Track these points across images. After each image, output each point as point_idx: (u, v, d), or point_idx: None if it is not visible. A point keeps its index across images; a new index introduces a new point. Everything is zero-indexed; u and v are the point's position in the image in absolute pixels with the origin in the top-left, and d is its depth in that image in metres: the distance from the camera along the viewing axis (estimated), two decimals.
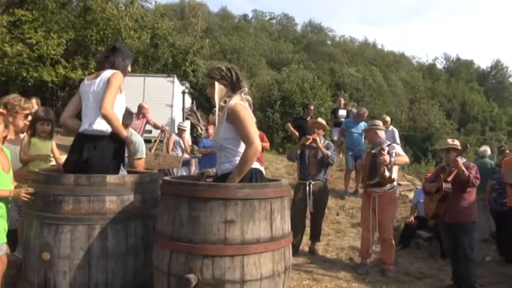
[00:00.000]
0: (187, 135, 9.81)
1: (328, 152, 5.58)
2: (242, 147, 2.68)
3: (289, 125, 9.11)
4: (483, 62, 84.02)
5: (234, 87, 2.79)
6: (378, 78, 41.96)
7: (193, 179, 2.92)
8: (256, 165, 2.75)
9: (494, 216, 6.59)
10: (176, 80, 12.99)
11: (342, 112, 11.08)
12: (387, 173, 4.75)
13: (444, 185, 4.48)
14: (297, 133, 8.61)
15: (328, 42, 56.22)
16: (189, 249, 2.38)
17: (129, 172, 3.40)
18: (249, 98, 2.85)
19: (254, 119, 2.79)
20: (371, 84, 39.67)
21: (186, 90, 13.16)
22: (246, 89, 2.83)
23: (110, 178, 2.86)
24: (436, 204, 4.59)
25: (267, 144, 7.38)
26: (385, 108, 36.04)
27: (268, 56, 43.35)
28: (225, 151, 2.73)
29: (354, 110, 10.97)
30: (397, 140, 8.60)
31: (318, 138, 5.60)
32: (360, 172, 6.17)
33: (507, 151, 7.97)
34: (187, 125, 10.91)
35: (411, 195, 8.49)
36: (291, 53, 44.87)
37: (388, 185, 4.99)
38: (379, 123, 5.43)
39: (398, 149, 5.16)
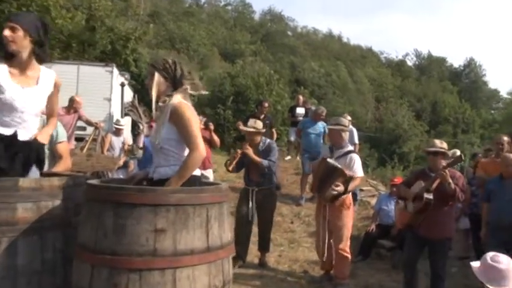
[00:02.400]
0: (127, 134, 9.62)
1: (263, 162, 5.56)
2: (186, 151, 2.69)
3: (240, 123, 9.09)
4: (456, 60, 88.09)
5: (175, 83, 2.79)
6: (342, 74, 42.97)
7: (121, 183, 2.86)
8: (196, 172, 2.76)
9: (475, 221, 6.92)
10: (115, 70, 12.66)
11: (300, 110, 11.23)
12: (330, 199, 4.92)
13: (426, 195, 4.49)
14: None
15: (289, 33, 56.97)
16: (113, 262, 2.33)
17: (49, 175, 3.28)
18: (188, 99, 2.85)
19: (198, 121, 2.80)
20: (334, 80, 40.54)
21: (126, 82, 12.90)
22: (188, 87, 2.82)
23: (24, 182, 2.74)
24: (413, 215, 4.67)
25: (217, 141, 7.37)
26: (349, 107, 36.87)
27: (222, 47, 43.35)
28: (165, 154, 2.72)
29: (314, 109, 11.18)
30: (356, 140, 8.81)
31: (247, 150, 5.58)
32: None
33: (479, 155, 8.38)
34: (127, 121, 10.69)
35: (374, 201, 8.71)
36: (247, 43, 45.10)
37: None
38: (345, 122, 5.40)
39: (357, 164, 5.16)
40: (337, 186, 4.88)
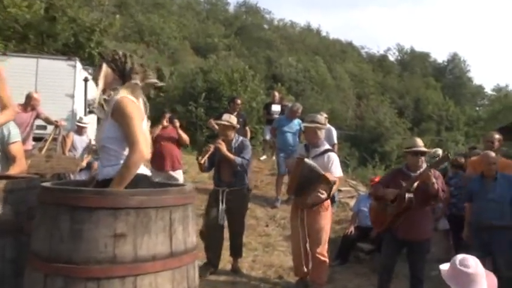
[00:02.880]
0: (92, 133, 9.46)
1: (236, 159, 5.55)
2: (127, 149, 2.68)
3: (212, 121, 9.12)
4: (440, 55, 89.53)
5: (123, 76, 2.78)
6: (321, 69, 43.23)
7: (78, 185, 2.82)
8: (143, 170, 2.74)
9: (454, 222, 7.04)
10: (79, 64, 12.43)
11: (276, 108, 11.26)
12: (313, 206, 4.97)
13: (407, 195, 4.56)
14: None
15: (265, 26, 57.08)
16: (69, 271, 2.28)
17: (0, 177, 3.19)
18: (143, 96, 2.84)
19: (144, 120, 2.78)
20: (313, 76, 40.76)
21: (90, 77, 12.70)
22: (138, 82, 2.79)
23: None
24: (393, 217, 4.73)
25: (186, 139, 7.34)
26: (328, 104, 37.14)
27: (194, 40, 43.18)
28: (107, 153, 2.71)
29: (290, 106, 11.23)
30: (334, 139, 8.88)
31: (221, 146, 5.56)
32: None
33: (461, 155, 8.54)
34: (91, 120, 10.52)
35: (353, 202, 8.77)
36: (221, 37, 45.00)
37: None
38: (321, 119, 5.40)
39: (335, 164, 5.19)
40: (322, 194, 4.90)
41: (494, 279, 2.54)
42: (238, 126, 5.93)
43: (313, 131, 5.26)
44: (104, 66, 2.76)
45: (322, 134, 5.33)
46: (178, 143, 7.38)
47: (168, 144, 7.22)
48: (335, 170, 5.18)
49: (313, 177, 4.95)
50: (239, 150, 5.67)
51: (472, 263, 2.45)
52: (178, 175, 7.29)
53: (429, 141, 37.76)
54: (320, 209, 5.17)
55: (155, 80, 2.95)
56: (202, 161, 5.58)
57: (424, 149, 4.84)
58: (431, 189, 4.55)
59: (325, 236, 5.27)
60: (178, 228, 2.48)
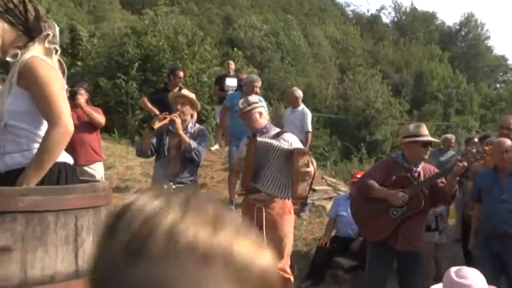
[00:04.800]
0: None
1: (193, 143, 5.56)
2: (43, 128, 2.63)
3: (145, 99, 9.08)
4: (450, 17, 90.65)
5: (29, 30, 2.73)
6: (293, 33, 43.31)
7: None
8: (64, 157, 2.70)
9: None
10: None
11: (231, 82, 11.24)
12: (307, 194, 4.97)
13: (422, 195, 4.81)
14: (157, 112, 8.53)
15: None
16: None
17: None
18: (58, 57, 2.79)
19: (64, 86, 2.75)
20: (283, 41, 40.86)
21: None
22: (51, 33, 2.72)
23: None
24: (395, 226, 4.86)
25: (99, 119, 7.21)
26: (303, 79, 37.32)
27: None
28: (13, 134, 2.66)
29: (245, 78, 11.23)
30: (308, 126, 8.99)
31: (177, 119, 5.54)
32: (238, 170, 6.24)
33: (476, 139, 8.73)
34: None
35: (330, 205, 8.86)
36: None
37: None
38: (254, 99, 5.56)
39: (297, 142, 5.26)
40: (306, 166, 4.91)
41: None
42: (199, 105, 5.97)
43: (252, 115, 5.34)
44: None
45: (265, 115, 5.46)
46: (95, 126, 7.25)
47: (79, 129, 7.06)
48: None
49: (273, 155, 5.02)
50: (193, 137, 5.67)
51: (470, 274, 2.52)
52: (96, 170, 7.17)
53: (434, 127, 38.49)
54: (282, 211, 5.21)
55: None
56: (156, 126, 5.50)
57: (432, 138, 5.09)
58: (449, 188, 4.77)
59: (289, 246, 5.32)
60: (87, 239, 2.46)
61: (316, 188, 10.24)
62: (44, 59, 2.66)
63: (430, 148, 5.08)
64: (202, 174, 9.87)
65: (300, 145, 5.30)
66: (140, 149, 5.84)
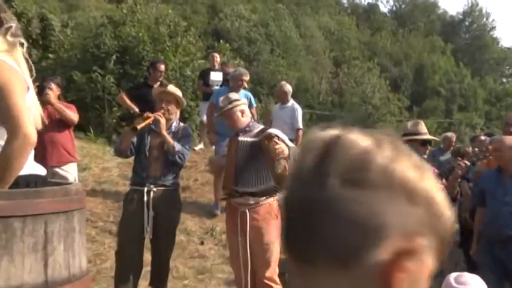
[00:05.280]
0: None
1: (176, 145, 5.55)
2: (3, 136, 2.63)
3: (123, 95, 9.04)
4: (453, 6, 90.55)
5: None
6: (284, 24, 43.27)
7: None
8: (33, 168, 2.73)
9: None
10: None
11: (216, 76, 11.25)
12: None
13: None
14: (136, 109, 8.53)
15: None
16: None
17: None
18: (23, 52, 2.77)
19: (30, 90, 2.75)
20: (273, 33, 40.78)
21: None
22: (13, 25, 2.70)
23: None
24: None
25: (72, 116, 7.15)
26: (294, 73, 37.31)
27: None
28: None
29: (232, 72, 11.23)
30: (299, 123, 9.04)
31: (162, 119, 5.54)
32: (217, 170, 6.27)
33: (482, 138, 8.79)
34: None
35: None
36: None
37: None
38: (235, 96, 5.60)
39: (283, 137, 5.26)
40: (277, 145, 4.93)
41: None
42: (184, 103, 6.01)
43: (234, 114, 5.37)
44: None
45: (247, 113, 5.48)
46: (67, 124, 7.20)
47: (50, 128, 7.02)
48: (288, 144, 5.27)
49: (256, 154, 5.07)
50: (177, 137, 5.70)
51: (470, 280, 2.54)
52: (69, 171, 7.13)
53: (435, 124, 38.63)
54: (268, 215, 5.21)
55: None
56: (140, 126, 5.49)
57: (432, 137, 5.10)
58: (451, 190, 4.89)
59: (276, 253, 5.28)
60: (58, 247, 2.45)
61: None
62: (6, 59, 2.63)
63: (429, 147, 5.10)
64: (185, 176, 9.88)
65: (286, 140, 5.28)
66: (119, 149, 5.83)
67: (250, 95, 9.33)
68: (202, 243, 8.03)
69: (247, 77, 8.94)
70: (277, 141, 4.99)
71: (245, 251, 5.22)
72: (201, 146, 12.17)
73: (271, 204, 5.23)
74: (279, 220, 5.26)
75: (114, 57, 17.53)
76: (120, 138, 5.96)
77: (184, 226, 8.16)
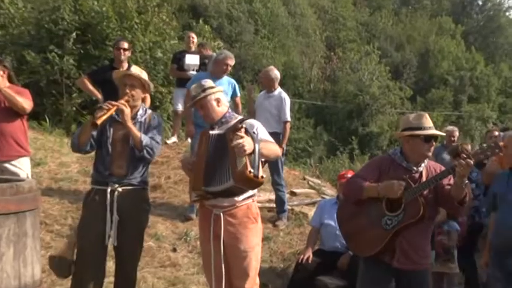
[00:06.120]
0: None
1: (143, 137, 5.46)
2: None
3: (84, 79, 8.98)
4: None
5: None
6: (271, 0, 43.23)
7: None
8: None
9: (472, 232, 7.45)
10: None
11: (192, 60, 11.25)
12: (250, 169, 4.82)
13: (421, 200, 4.78)
14: (99, 95, 8.50)
15: None
16: None
17: None
18: None
19: None
20: (257, 10, 40.76)
21: None
22: None
23: None
24: (389, 239, 4.86)
25: (21, 103, 7.06)
26: (281, 57, 37.29)
27: None
28: None
29: (215, 56, 11.22)
30: (287, 114, 9.00)
31: (126, 108, 5.47)
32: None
33: (496, 133, 8.83)
34: None
35: (313, 212, 8.88)
36: None
37: (259, 186, 5.10)
38: (210, 83, 5.48)
39: (261, 129, 5.26)
40: (240, 138, 4.84)
41: None
42: (152, 86, 5.85)
43: (208, 103, 5.31)
44: None
45: (223, 102, 5.41)
46: (18, 113, 7.10)
47: None
48: (268, 138, 5.23)
49: (223, 142, 5.01)
50: (145, 128, 5.62)
51: None
52: (21, 167, 7.04)
53: (442, 117, 38.76)
54: (247, 218, 5.19)
55: None
56: (99, 121, 5.41)
57: (438, 131, 5.05)
58: (455, 192, 4.71)
59: (255, 262, 5.28)
60: (6, 254, 2.43)
61: (295, 190, 10.29)
62: None
63: (434, 143, 5.03)
64: (156, 173, 9.89)
65: (265, 133, 5.25)
66: (76, 144, 5.62)
67: (234, 82, 9.27)
68: (174, 250, 7.99)
69: (232, 61, 8.88)
70: (242, 134, 4.85)
71: (218, 259, 5.18)
72: (174, 139, 12.08)
73: (250, 206, 5.20)
74: (259, 224, 5.28)
75: (74, 34, 17.32)
76: (78, 132, 5.74)
77: (155, 230, 8.15)
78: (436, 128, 5.17)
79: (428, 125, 5.00)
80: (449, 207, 5.01)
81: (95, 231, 5.46)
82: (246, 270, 5.20)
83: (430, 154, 5.01)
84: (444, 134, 5.12)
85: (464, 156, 4.60)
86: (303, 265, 6.99)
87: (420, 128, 4.97)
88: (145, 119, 5.67)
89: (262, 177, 4.86)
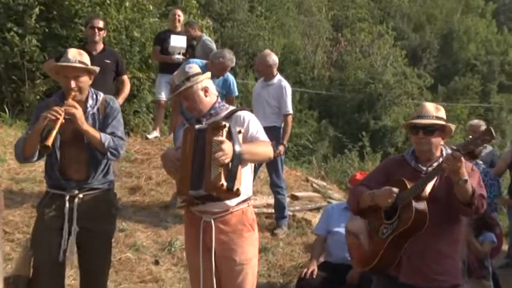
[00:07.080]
0: None
1: (103, 137, 5.35)
2: None
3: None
4: None
5: None
6: None
7: None
8: None
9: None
10: None
11: (178, 41, 11.20)
12: (223, 181, 4.80)
13: (415, 204, 4.67)
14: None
15: None
16: None
17: None
18: None
19: None
20: None
21: None
22: None
23: None
24: (388, 246, 4.83)
25: None
26: (281, 39, 37.24)
27: None
28: None
29: (207, 39, 11.23)
30: (288, 106, 9.03)
31: (77, 111, 5.30)
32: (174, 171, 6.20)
33: None
34: None
35: (317, 219, 8.90)
36: None
37: (235, 197, 5.06)
38: (195, 69, 5.43)
39: (253, 125, 5.25)
40: (220, 144, 4.79)
41: None
42: (97, 69, 5.63)
43: (194, 94, 5.28)
44: None
45: (211, 91, 5.37)
46: None
47: None
48: (258, 132, 5.22)
49: (203, 138, 4.98)
50: (101, 119, 5.55)
51: None
52: None
53: (467, 110, 38.67)
54: (240, 226, 5.18)
55: None
56: (49, 141, 5.30)
57: (435, 120, 4.90)
58: (460, 192, 4.62)
59: (251, 276, 5.30)
60: None
61: (297, 194, 10.31)
62: None
63: (435, 135, 4.88)
64: (135, 173, 9.91)
65: (257, 129, 5.24)
66: (21, 156, 5.47)
67: (232, 79, 9.36)
68: (156, 262, 7.97)
69: (233, 64, 8.91)
70: (222, 138, 4.82)
71: (209, 273, 5.18)
72: (156, 133, 12.04)
73: (245, 212, 5.20)
74: (255, 232, 5.29)
75: (36, 10, 17.26)
76: (22, 142, 5.48)
77: (133, 240, 8.14)
78: (460, 123, 5.10)
79: (427, 114, 4.92)
80: (458, 210, 4.78)
81: (50, 244, 5.41)
82: (241, 285, 5.20)
83: (424, 148, 4.91)
84: (428, 122, 4.85)
85: (454, 148, 4.52)
86: (306, 280, 6.97)
87: (418, 117, 4.95)
88: (98, 109, 5.56)
89: (237, 189, 4.80)
